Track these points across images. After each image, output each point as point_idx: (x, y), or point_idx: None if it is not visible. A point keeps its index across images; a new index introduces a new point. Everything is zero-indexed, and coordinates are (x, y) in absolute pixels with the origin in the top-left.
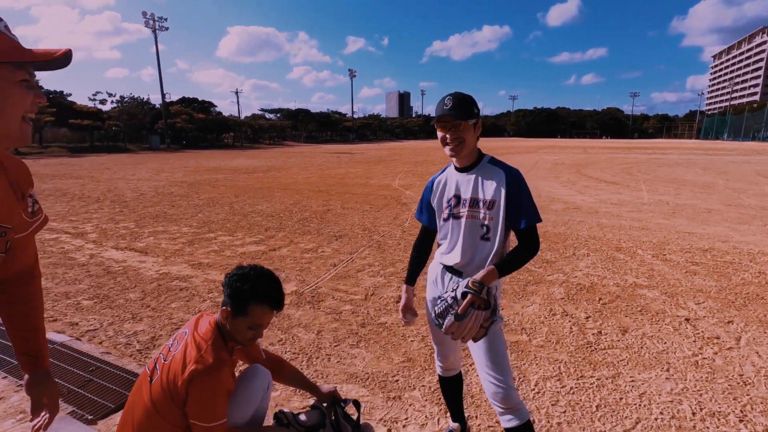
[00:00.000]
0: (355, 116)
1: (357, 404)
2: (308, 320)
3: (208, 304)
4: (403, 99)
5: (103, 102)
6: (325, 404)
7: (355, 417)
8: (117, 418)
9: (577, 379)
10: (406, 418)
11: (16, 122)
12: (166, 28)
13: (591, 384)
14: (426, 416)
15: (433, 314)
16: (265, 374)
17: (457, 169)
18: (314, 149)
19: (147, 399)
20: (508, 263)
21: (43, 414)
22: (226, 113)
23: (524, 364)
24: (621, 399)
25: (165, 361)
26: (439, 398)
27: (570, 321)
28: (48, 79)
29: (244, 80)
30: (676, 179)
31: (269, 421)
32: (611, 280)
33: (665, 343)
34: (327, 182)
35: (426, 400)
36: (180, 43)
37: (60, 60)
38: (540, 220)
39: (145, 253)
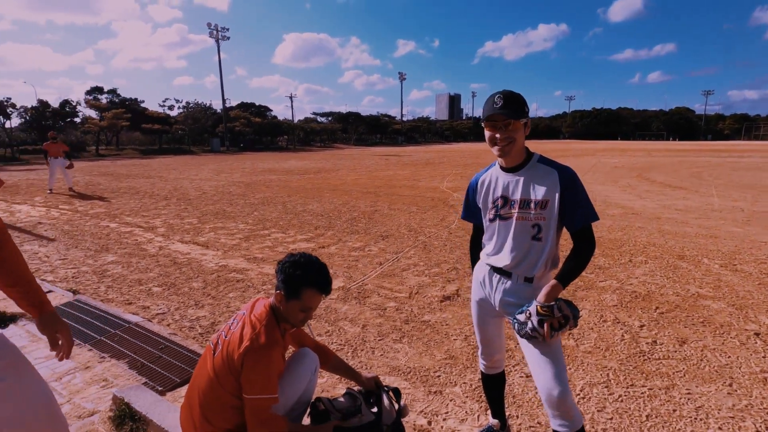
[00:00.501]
0: (404, 119)
1: (397, 392)
2: (354, 314)
3: (261, 296)
4: (453, 101)
5: (171, 108)
6: (366, 390)
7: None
8: (182, 390)
9: (627, 388)
10: (447, 412)
11: None
12: (228, 38)
13: (642, 393)
14: (466, 412)
15: (518, 333)
16: (313, 358)
17: (503, 168)
18: (363, 151)
19: (210, 370)
20: (570, 272)
21: (60, 346)
22: (280, 117)
23: (570, 369)
24: (675, 411)
25: (225, 337)
26: (480, 396)
27: (622, 329)
28: (125, 88)
29: (297, 85)
30: (755, 185)
31: None
32: (671, 289)
33: (729, 357)
34: (375, 184)
35: (467, 396)
36: (240, 51)
37: None
38: (597, 218)
39: (206, 247)
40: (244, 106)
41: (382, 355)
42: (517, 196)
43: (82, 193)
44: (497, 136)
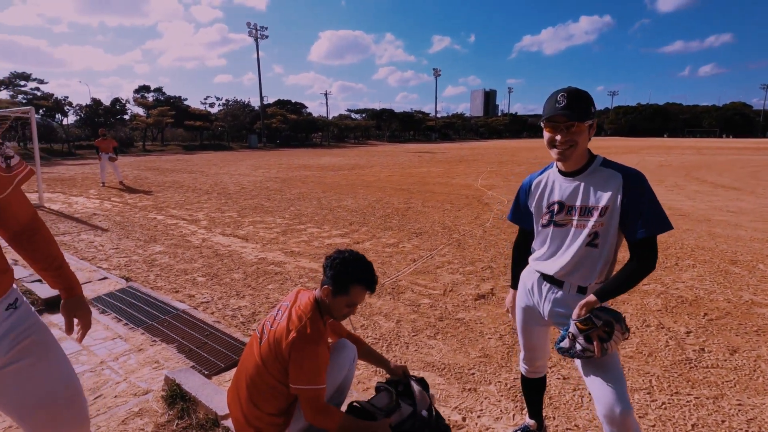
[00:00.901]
0: (438, 115)
1: (424, 382)
2: (388, 310)
3: (303, 287)
4: (489, 97)
5: (211, 105)
6: (395, 379)
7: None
8: (226, 375)
9: (671, 395)
10: (481, 410)
11: None
12: (266, 36)
13: (687, 402)
14: (501, 410)
15: (571, 356)
16: (352, 348)
17: (561, 172)
18: (396, 148)
19: (257, 356)
20: (615, 289)
21: (77, 329)
22: (315, 114)
23: None
24: (723, 422)
25: (271, 327)
26: (515, 395)
27: (666, 334)
28: (169, 86)
29: (332, 82)
30: None
31: (351, 396)
32: (721, 295)
33: None
34: (408, 180)
35: (501, 395)
36: (277, 49)
37: None
38: (667, 228)
39: (246, 240)
40: (280, 104)
41: (416, 350)
42: (577, 202)
43: (131, 187)
44: (557, 138)
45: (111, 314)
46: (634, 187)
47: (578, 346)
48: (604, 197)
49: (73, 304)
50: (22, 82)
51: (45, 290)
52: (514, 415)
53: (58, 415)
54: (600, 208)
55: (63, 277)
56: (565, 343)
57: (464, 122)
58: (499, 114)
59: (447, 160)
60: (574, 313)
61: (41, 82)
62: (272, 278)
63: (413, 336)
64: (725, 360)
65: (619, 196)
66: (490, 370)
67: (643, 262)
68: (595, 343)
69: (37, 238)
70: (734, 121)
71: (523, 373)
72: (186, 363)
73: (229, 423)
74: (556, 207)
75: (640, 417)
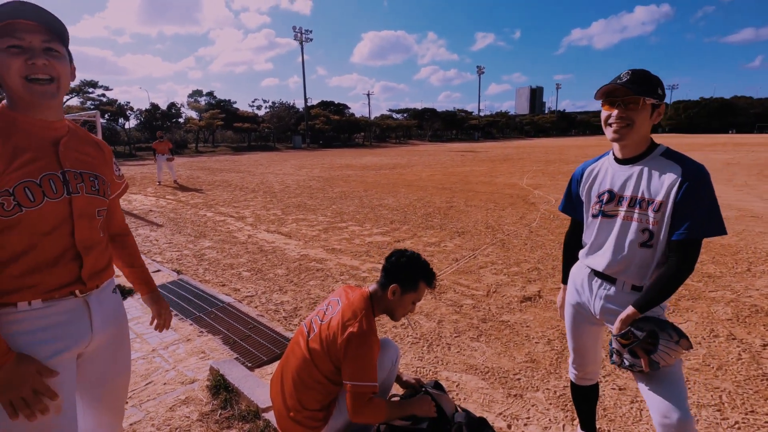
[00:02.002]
0: (482, 114)
1: (439, 385)
2: (429, 309)
3: (350, 284)
4: (535, 94)
5: (258, 108)
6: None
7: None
8: (268, 368)
9: (746, 414)
10: (528, 418)
11: (18, 83)
12: (311, 39)
13: (765, 423)
14: (550, 419)
15: (623, 366)
16: (395, 348)
17: (617, 159)
18: (438, 148)
19: (304, 350)
20: (654, 299)
21: (161, 321)
22: (357, 114)
23: None
24: None
25: (321, 322)
26: (565, 404)
27: (739, 346)
28: (220, 90)
29: (374, 83)
30: None
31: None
32: None
33: None
34: (450, 180)
35: (550, 403)
36: (320, 52)
37: (23, 11)
38: (719, 233)
39: (289, 237)
40: (324, 105)
41: (458, 352)
42: (628, 192)
43: (185, 186)
44: (613, 113)
45: None
46: (694, 182)
47: (626, 362)
48: (658, 190)
49: (154, 297)
50: (91, 90)
51: None
52: (564, 426)
53: (122, 397)
54: (655, 203)
55: (144, 275)
56: (615, 359)
57: (509, 120)
58: (546, 111)
59: (490, 158)
60: (614, 328)
61: (106, 89)
62: (314, 275)
63: (455, 337)
64: None
65: (674, 190)
66: (537, 376)
67: (684, 265)
68: (643, 360)
69: (129, 241)
70: None
71: (573, 379)
72: (230, 354)
73: (269, 416)
74: (606, 196)
75: None
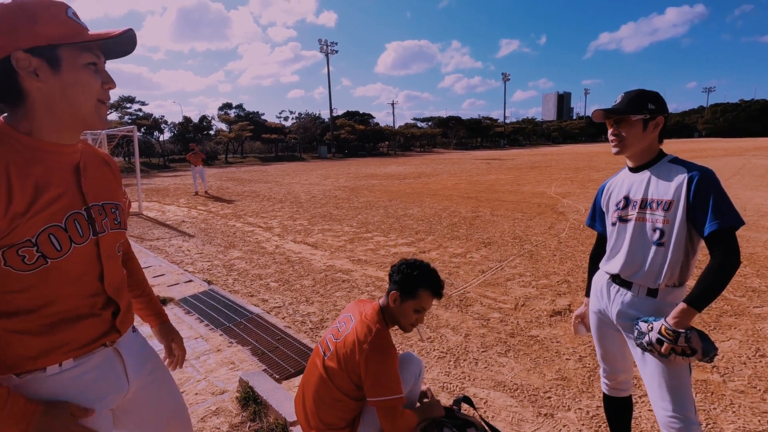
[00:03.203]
0: (507, 121)
1: (469, 400)
2: (456, 323)
3: (365, 297)
4: (563, 100)
5: (285, 119)
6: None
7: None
8: (295, 381)
9: None
10: None
11: (91, 105)
12: (336, 51)
13: None
14: None
15: (634, 341)
16: (418, 362)
17: (630, 169)
18: (463, 156)
19: (321, 370)
20: (704, 292)
21: (174, 360)
22: (382, 124)
23: (715, 408)
24: None
25: (336, 340)
26: (599, 425)
27: None
28: (248, 102)
29: (398, 92)
30: None
31: None
32: None
33: None
34: (476, 188)
35: (583, 424)
36: (345, 63)
37: (123, 40)
38: (737, 223)
39: (315, 247)
40: (348, 115)
41: (486, 367)
42: (639, 195)
43: (215, 196)
44: (609, 131)
45: (194, 315)
46: (702, 182)
47: (646, 338)
48: (666, 191)
49: (166, 329)
50: (128, 105)
51: None
52: None
53: (186, 424)
54: (664, 203)
55: (153, 303)
56: (644, 326)
57: (535, 127)
58: (574, 117)
59: (517, 166)
60: (670, 317)
61: (143, 104)
62: (339, 286)
63: (482, 352)
64: None
65: (683, 191)
66: (568, 395)
67: (722, 258)
68: (664, 348)
69: (132, 262)
70: None
71: (605, 391)
72: (258, 366)
73: (296, 429)
74: (622, 202)
75: None
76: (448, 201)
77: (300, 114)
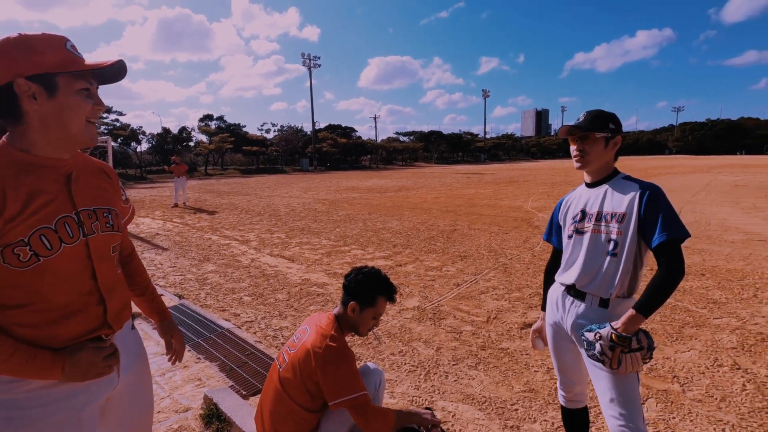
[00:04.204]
0: (487, 136)
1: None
2: (428, 336)
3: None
4: (541, 116)
5: (267, 131)
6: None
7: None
8: None
9: None
10: None
11: (81, 125)
12: (319, 65)
13: None
14: None
15: (585, 353)
16: (379, 372)
17: (587, 184)
18: (444, 170)
19: (277, 383)
20: (650, 299)
21: (172, 354)
22: (365, 137)
23: (674, 417)
24: None
25: (292, 351)
26: None
27: (743, 377)
28: (230, 114)
29: (381, 106)
30: None
31: None
32: None
33: None
34: (455, 202)
35: None
36: (328, 77)
37: (114, 70)
38: (683, 235)
39: (292, 261)
40: (331, 128)
41: (456, 380)
42: (594, 209)
43: (193, 207)
44: (573, 147)
45: None
46: (651, 197)
47: (597, 348)
48: (622, 204)
49: (168, 326)
50: (105, 115)
51: None
52: None
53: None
54: (618, 215)
55: (156, 302)
56: (590, 336)
57: (514, 142)
58: (552, 133)
59: (496, 181)
60: (618, 324)
61: (120, 114)
62: (314, 299)
63: (453, 365)
64: None
65: (636, 205)
66: (535, 407)
67: (669, 267)
68: (615, 353)
69: (135, 264)
70: None
71: (562, 402)
72: (226, 382)
73: None
74: (579, 215)
75: None
76: (427, 214)
77: (282, 126)
